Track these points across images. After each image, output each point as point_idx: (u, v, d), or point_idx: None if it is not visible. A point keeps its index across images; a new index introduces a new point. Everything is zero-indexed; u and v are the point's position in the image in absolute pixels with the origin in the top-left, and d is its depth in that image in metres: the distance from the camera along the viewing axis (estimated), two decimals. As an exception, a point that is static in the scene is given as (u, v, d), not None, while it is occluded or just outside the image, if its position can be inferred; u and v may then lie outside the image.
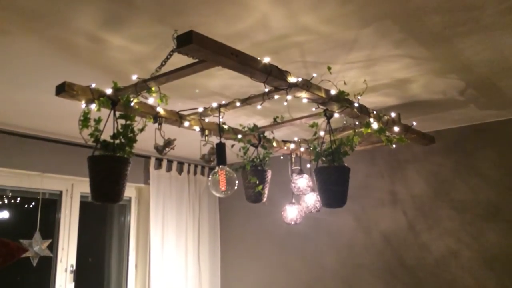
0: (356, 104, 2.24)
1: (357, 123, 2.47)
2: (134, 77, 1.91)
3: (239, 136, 2.57)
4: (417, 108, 2.98)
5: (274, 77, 1.79)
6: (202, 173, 4.56)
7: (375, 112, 2.42)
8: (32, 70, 2.25)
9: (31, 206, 3.47)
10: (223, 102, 2.31)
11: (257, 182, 2.53)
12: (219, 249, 4.58)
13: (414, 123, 2.79)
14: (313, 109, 2.25)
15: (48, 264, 3.44)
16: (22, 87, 2.48)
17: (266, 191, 2.63)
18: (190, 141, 3.06)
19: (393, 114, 2.63)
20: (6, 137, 3.14)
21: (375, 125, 2.40)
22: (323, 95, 2.05)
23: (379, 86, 2.60)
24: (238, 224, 4.55)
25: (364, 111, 2.32)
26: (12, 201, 3.53)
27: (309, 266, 4.00)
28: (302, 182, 2.82)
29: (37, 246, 3.18)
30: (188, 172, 4.39)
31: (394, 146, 2.54)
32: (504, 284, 3.08)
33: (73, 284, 3.53)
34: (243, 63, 1.65)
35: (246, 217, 4.48)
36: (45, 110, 2.88)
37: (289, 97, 1.96)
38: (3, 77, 2.34)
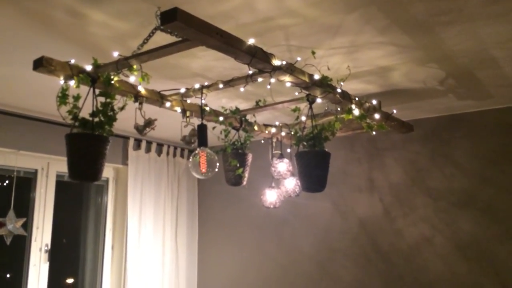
0: (338, 90, 2.25)
1: (338, 109, 2.48)
2: (115, 54, 1.87)
3: (221, 118, 2.56)
4: (397, 96, 3.01)
5: (259, 59, 1.78)
6: (182, 155, 4.53)
7: (357, 98, 2.44)
8: (7, 45, 2.18)
9: (5, 184, 3.39)
10: (206, 83, 2.28)
11: (238, 165, 2.52)
12: (197, 232, 4.58)
13: (395, 111, 2.82)
14: (296, 93, 2.25)
15: (22, 243, 3.39)
16: (-3, 61, 2.40)
17: (247, 175, 2.64)
18: (170, 123, 3.03)
19: (374, 102, 2.65)
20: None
21: (356, 112, 2.42)
22: (307, 80, 2.04)
23: (361, 73, 2.62)
24: (216, 207, 4.55)
25: (346, 97, 2.34)
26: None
27: (285, 250, 4.05)
28: (282, 166, 2.84)
29: (11, 224, 3.12)
30: (168, 154, 4.35)
31: (374, 133, 2.57)
32: (475, 270, 3.18)
33: (47, 263, 3.49)
34: (227, 43, 1.63)
35: (224, 200, 4.49)
36: (22, 86, 2.80)
37: (272, 80, 1.96)
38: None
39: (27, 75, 2.54)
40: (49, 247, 3.51)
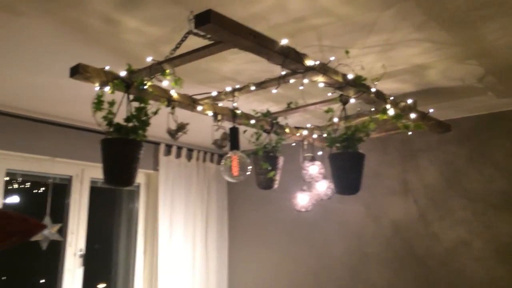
0: (373, 89, 2.19)
1: (372, 109, 2.42)
2: (149, 59, 1.88)
3: (252, 121, 2.53)
4: (434, 95, 2.92)
5: (291, 59, 1.75)
6: (211, 160, 4.54)
7: (391, 98, 2.37)
8: (45, 53, 2.22)
9: (41, 190, 3.46)
10: (237, 86, 2.27)
11: (269, 168, 2.49)
12: (227, 236, 4.57)
13: (431, 110, 2.73)
14: (329, 94, 2.21)
15: (57, 248, 3.45)
16: (35, 70, 2.45)
17: (278, 178, 2.60)
18: (200, 127, 3.03)
19: (409, 101, 2.58)
20: (18, 121, 3.12)
21: (391, 111, 2.35)
22: (340, 80, 2.00)
23: (396, 72, 2.55)
24: (246, 212, 4.53)
25: (380, 96, 2.28)
26: (23, 185, 3.53)
27: (316, 254, 3.99)
28: (314, 169, 2.79)
29: (47, 230, 3.18)
30: (197, 158, 4.37)
31: (410, 133, 2.49)
32: (517, 275, 3.04)
33: (82, 268, 3.54)
34: (260, 44, 1.60)
35: (254, 204, 4.46)
36: (57, 94, 2.86)
37: (305, 80, 1.92)
38: (15, 60, 2.31)
39: (63, 84, 2.59)
40: (84, 251, 3.56)
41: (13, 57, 2.28)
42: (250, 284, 4.37)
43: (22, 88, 2.74)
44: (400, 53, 2.27)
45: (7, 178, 3.23)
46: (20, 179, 3.40)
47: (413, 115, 2.56)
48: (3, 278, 3.18)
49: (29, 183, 3.56)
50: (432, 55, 2.30)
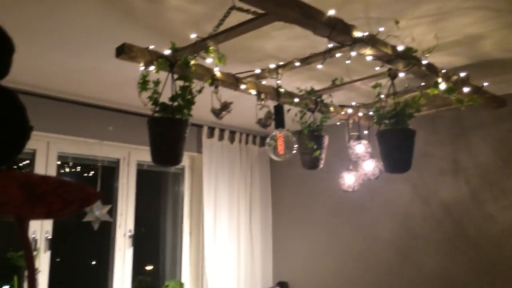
0: (424, 62, 2.09)
1: (422, 83, 2.32)
2: (193, 36, 1.86)
3: (296, 99, 2.49)
4: (488, 68, 2.76)
5: (339, 31, 1.68)
6: (254, 143, 4.53)
7: (443, 71, 2.26)
8: (90, 35, 2.26)
9: (91, 174, 3.58)
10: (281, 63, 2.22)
11: (315, 147, 2.45)
12: (271, 218, 4.57)
13: (486, 84, 2.58)
14: (376, 68, 2.12)
15: (108, 229, 3.56)
16: (81, 53, 2.49)
17: (323, 157, 2.55)
18: (242, 109, 3.00)
19: (462, 74, 2.44)
20: (68, 105, 3.21)
21: (443, 86, 2.23)
22: (389, 52, 1.91)
23: (447, 44, 2.42)
24: (289, 193, 4.51)
25: (432, 69, 2.17)
26: (74, 169, 3.66)
27: (363, 236, 3.92)
28: (361, 148, 2.72)
29: (98, 211, 3.29)
30: (240, 141, 4.37)
31: (463, 108, 2.37)
32: None
33: (131, 248, 3.64)
34: (306, 15, 1.55)
35: (298, 186, 4.43)
36: (103, 78, 2.91)
37: (353, 53, 1.85)
38: (62, 44, 2.36)
39: (109, 67, 2.64)
40: (133, 232, 3.66)
41: (60, 41, 2.32)
42: (295, 266, 4.36)
43: (70, 72, 2.81)
44: (452, 23, 2.15)
45: (59, 162, 3.35)
46: (71, 163, 3.51)
47: (466, 89, 2.43)
48: (57, 259, 3.33)
49: (79, 167, 3.68)
50: (488, 24, 2.16)
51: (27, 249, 0.72)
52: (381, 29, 1.92)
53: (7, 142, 0.65)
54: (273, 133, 2.11)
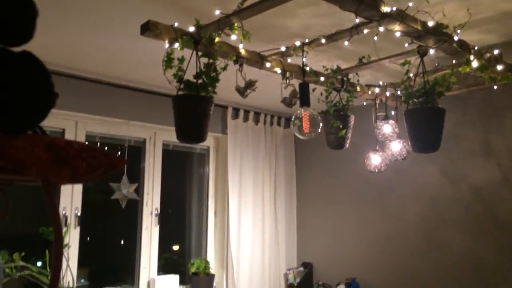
0: (455, 38, 2.01)
1: (454, 61, 2.24)
2: (217, 12, 1.85)
3: (322, 78, 2.45)
4: (523, 46, 2.65)
5: (366, 6, 1.64)
6: (279, 124, 4.51)
7: (476, 48, 2.18)
8: (116, 14, 2.27)
9: (119, 152, 3.64)
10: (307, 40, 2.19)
11: (340, 127, 2.41)
12: (295, 199, 4.57)
13: (520, 62, 2.48)
14: (406, 45, 2.06)
15: (135, 207, 3.64)
16: (108, 32, 2.52)
17: (349, 137, 2.52)
18: (267, 89, 2.98)
19: (495, 52, 2.35)
20: (95, 85, 3.27)
21: (475, 63, 2.16)
22: (419, 28, 1.86)
23: (479, 21, 2.33)
24: (314, 175, 4.49)
25: (464, 46, 2.09)
26: (101, 147, 3.73)
27: (389, 218, 3.88)
28: (388, 128, 2.67)
29: (125, 189, 3.36)
30: (265, 122, 4.36)
31: (495, 87, 2.29)
32: None
33: (157, 226, 3.72)
34: (333, -11, 1.51)
35: (323, 167, 4.40)
36: (129, 57, 2.94)
37: (381, 28, 1.80)
38: (89, 23, 2.39)
39: (135, 46, 2.66)
40: (159, 211, 3.73)
41: (85, 21, 2.35)
42: (320, 247, 4.37)
43: (97, 52, 2.85)
44: (487, -2, 2.06)
45: (87, 142, 3.42)
46: (98, 142, 3.58)
47: (499, 67, 2.34)
48: (88, 238, 3.43)
49: (106, 146, 3.75)
50: (525, -2, 2.06)
51: (54, 213, 0.74)
52: (410, 4, 1.86)
53: (31, 106, 0.66)
54: (298, 111, 2.09)
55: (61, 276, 2.96)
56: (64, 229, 3.08)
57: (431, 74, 2.42)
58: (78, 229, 3.24)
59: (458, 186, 3.49)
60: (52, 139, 0.65)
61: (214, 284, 3.95)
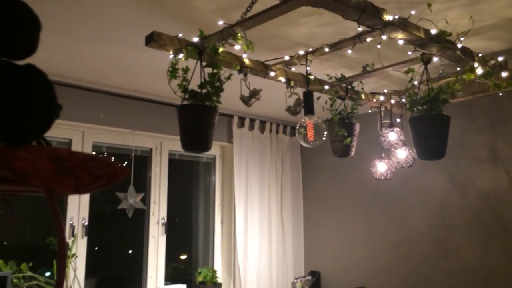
0: (459, 45, 2.02)
1: (458, 69, 2.24)
2: (221, 23, 1.87)
3: (326, 87, 2.46)
4: (528, 52, 2.64)
5: (368, 15, 1.65)
6: (284, 132, 4.52)
7: (480, 55, 2.18)
8: (119, 25, 2.30)
9: (125, 162, 3.67)
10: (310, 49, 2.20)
11: (345, 134, 2.42)
12: (302, 207, 4.56)
13: (525, 68, 2.47)
14: (409, 52, 2.07)
15: (142, 217, 3.65)
16: (111, 43, 2.55)
17: (354, 145, 2.52)
18: (272, 98, 3.01)
19: (500, 59, 2.35)
20: (102, 96, 3.30)
21: (479, 70, 2.16)
22: (422, 36, 1.86)
23: (483, 28, 2.33)
24: (321, 183, 4.48)
25: (467, 54, 2.09)
26: (108, 158, 3.76)
27: (396, 226, 3.85)
28: (393, 135, 2.67)
29: (132, 199, 3.37)
30: (270, 131, 4.37)
31: (501, 94, 2.28)
32: None
33: (164, 236, 3.72)
34: (335, -1, 1.52)
35: (329, 175, 4.39)
36: (134, 68, 2.97)
37: (384, 37, 1.81)
38: (92, 34, 2.41)
39: (140, 57, 2.69)
40: (165, 220, 3.73)
41: (91, 32, 2.38)
42: (326, 255, 4.34)
43: (103, 62, 2.88)
44: (489, 6, 2.07)
45: (94, 152, 3.45)
46: (105, 152, 3.61)
47: (504, 74, 2.33)
48: (95, 248, 3.44)
49: (113, 156, 3.77)
50: (528, 4, 2.06)
51: (58, 224, 0.75)
52: (413, 12, 1.87)
53: (34, 118, 0.67)
54: (303, 120, 2.10)
55: (69, 286, 2.97)
56: (72, 239, 3.10)
57: (435, 81, 2.42)
58: (85, 239, 3.25)
59: (466, 193, 3.46)
60: (55, 150, 0.66)
61: (221, 293, 3.94)
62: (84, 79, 3.16)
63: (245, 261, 3.96)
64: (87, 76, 3.12)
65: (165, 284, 3.69)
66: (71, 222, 3.18)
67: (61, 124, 3.05)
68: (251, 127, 4.24)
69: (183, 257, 4.24)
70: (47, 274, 3.06)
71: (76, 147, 3.28)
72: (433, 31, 1.91)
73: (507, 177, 3.26)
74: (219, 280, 3.91)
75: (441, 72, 2.53)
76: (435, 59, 2.08)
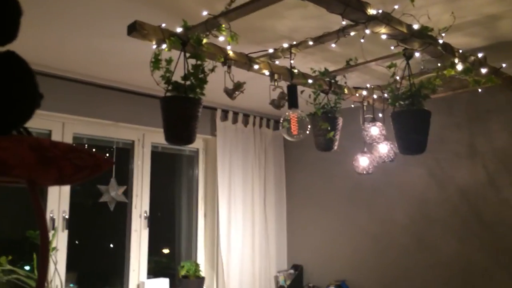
0: (440, 41, 2.05)
1: (439, 64, 2.28)
2: (205, 13, 1.86)
3: (310, 81, 2.47)
4: (506, 50, 2.69)
5: (353, 8, 1.66)
6: (268, 126, 4.52)
7: (460, 51, 2.21)
8: (101, 14, 2.25)
9: (107, 154, 3.62)
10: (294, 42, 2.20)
11: (329, 129, 2.43)
12: (285, 201, 4.59)
13: (504, 65, 2.52)
14: (392, 47, 2.09)
15: (124, 210, 3.62)
16: (93, 33, 2.50)
17: (337, 139, 2.54)
18: (256, 92, 2.99)
19: (479, 55, 2.39)
20: (83, 86, 3.25)
21: (459, 66, 2.19)
22: (405, 30, 1.88)
23: (464, 25, 2.36)
24: (304, 176, 4.51)
25: (448, 49, 2.12)
26: (90, 149, 3.70)
27: (377, 220, 3.91)
28: (375, 130, 2.70)
29: (114, 192, 3.34)
30: (254, 124, 4.37)
31: (480, 90, 2.33)
32: None
33: (147, 229, 3.70)
34: (320, -9, 1.53)
35: (312, 169, 4.42)
36: (116, 58, 2.93)
37: (367, 31, 1.82)
38: (73, 24, 2.37)
39: (122, 47, 2.65)
40: (148, 214, 3.71)
41: (71, 20, 2.33)
42: (310, 249, 4.38)
43: (84, 53, 2.83)
44: (470, 2, 2.10)
45: (74, 144, 3.40)
46: (86, 144, 3.56)
47: (483, 70, 2.38)
48: (76, 241, 3.40)
49: (94, 148, 3.73)
50: (507, 3, 2.10)
51: (40, 215, 0.73)
52: (396, 6, 1.89)
53: (15, 106, 0.66)
54: (286, 113, 2.10)
55: (49, 280, 2.93)
56: (52, 232, 3.05)
57: (417, 76, 2.46)
58: (66, 232, 3.21)
59: (445, 188, 3.53)
60: (37, 140, 0.65)
61: (204, 287, 3.93)
62: (65, 69, 3.11)
63: (228, 254, 3.96)
64: (68, 66, 3.07)
65: (148, 278, 3.68)
66: (51, 215, 3.14)
67: (40, 115, 2.99)
68: (235, 120, 4.24)
69: (166, 250, 4.22)
70: (27, 268, 3.02)
71: (56, 138, 3.22)
72: (416, 26, 1.94)
73: (485, 172, 3.34)
74: (202, 273, 3.91)
75: (422, 67, 2.57)
76: (417, 54, 2.11)
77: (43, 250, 0.80)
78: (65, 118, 3.23)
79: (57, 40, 2.61)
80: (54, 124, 3.22)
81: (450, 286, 3.41)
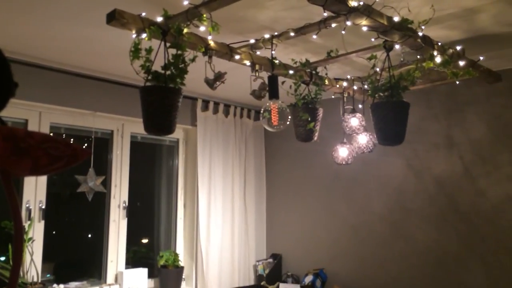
0: (420, 34, 2.07)
1: (418, 56, 2.30)
2: (186, 3, 1.83)
3: (291, 71, 2.47)
4: (484, 43, 2.74)
5: (334, 0, 1.66)
6: (248, 116, 4.52)
7: (439, 43, 2.24)
8: (80, 1, 2.21)
9: (85, 144, 3.56)
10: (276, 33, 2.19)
11: (309, 119, 2.44)
12: (265, 191, 4.60)
13: (481, 58, 2.57)
14: (372, 39, 2.10)
15: (102, 200, 3.58)
16: (71, 20, 2.45)
17: (317, 130, 2.56)
18: (237, 82, 2.98)
19: (458, 48, 2.43)
20: (60, 75, 3.18)
21: (438, 59, 2.22)
22: (385, 23, 1.89)
23: (443, 17, 2.39)
24: (283, 167, 4.53)
25: (427, 42, 2.15)
26: (67, 139, 3.64)
27: (356, 210, 3.96)
28: (355, 121, 2.72)
29: (92, 182, 3.29)
30: (235, 114, 4.36)
31: (457, 82, 2.37)
32: None
33: (125, 219, 3.67)
34: (301, -18, 1.52)
35: (292, 160, 4.45)
36: (95, 47, 2.87)
37: (348, 23, 1.83)
38: (52, 11, 2.31)
39: (101, 35, 2.59)
40: (127, 204, 3.68)
41: (51, 8, 2.27)
42: (289, 239, 4.42)
43: (62, 41, 2.77)
44: (450, -5, 2.12)
45: (51, 134, 3.33)
46: (64, 134, 3.49)
47: (461, 63, 2.42)
48: (53, 232, 3.35)
49: (72, 138, 3.66)
50: (486, -4, 2.13)
51: (14, 206, 0.72)
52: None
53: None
54: (267, 104, 2.10)
55: (25, 270, 2.88)
56: (28, 222, 3.00)
57: (396, 68, 2.48)
58: (42, 222, 3.16)
59: (422, 178, 3.60)
60: (11, 130, 0.63)
61: (183, 276, 3.94)
62: (43, 57, 3.03)
63: (208, 244, 3.97)
64: (45, 54, 2.99)
65: (126, 268, 3.66)
66: (27, 205, 3.08)
67: (16, 104, 2.92)
68: (215, 111, 4.22)
69: (145, 241, 4.20)
70: (2, 258, 2.96)
71: (32, 127, 3.15)
72: (396, 19, 1.95)
73: (461, 163, 3.41)
74: (181, 263, 3.91)
75: (402, 59, 2.59)
76: (397, 46, 2.13)
77: (17, 242, 0.78)
78: (42, 107, 3.16)
79: (34, 28, 2.54)
80: (31, 113, 3.15)
81: (425, 274, 3.49)
